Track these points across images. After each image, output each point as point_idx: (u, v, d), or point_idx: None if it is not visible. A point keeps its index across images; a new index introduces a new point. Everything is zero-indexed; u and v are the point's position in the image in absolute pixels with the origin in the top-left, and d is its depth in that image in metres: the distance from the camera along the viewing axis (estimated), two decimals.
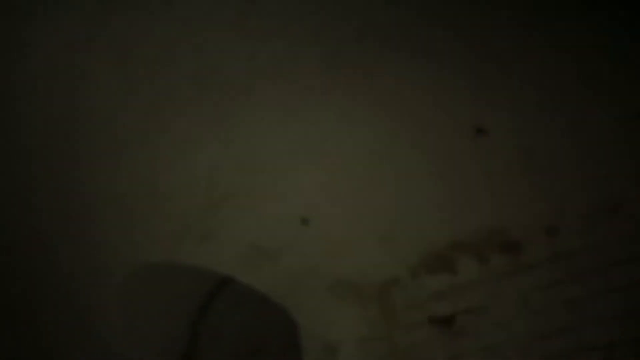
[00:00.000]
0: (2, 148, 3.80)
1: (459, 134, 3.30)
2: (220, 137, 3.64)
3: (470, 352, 3.56)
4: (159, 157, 3.83)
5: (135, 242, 4.44)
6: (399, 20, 3.04)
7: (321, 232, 3.87)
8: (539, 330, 3.30)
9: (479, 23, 2.99)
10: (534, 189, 3.32)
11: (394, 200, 3.65)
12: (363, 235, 3.80)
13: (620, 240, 3.09)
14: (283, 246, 4.00)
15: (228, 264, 4.27)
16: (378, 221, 3.74)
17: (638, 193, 3.08)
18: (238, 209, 3.93)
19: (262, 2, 3.04)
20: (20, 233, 4.41)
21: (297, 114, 3.47)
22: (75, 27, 3.31)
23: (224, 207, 3.96)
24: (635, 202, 3.09)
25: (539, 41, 2.98)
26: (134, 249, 4.49)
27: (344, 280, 3.99)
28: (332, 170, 3.67)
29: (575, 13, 2.85)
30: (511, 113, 3.16)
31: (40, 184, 4.19)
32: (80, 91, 3.62)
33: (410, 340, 3.79)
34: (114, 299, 4.76)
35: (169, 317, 5.20)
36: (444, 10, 2.96)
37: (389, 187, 3.62)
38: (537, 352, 3.28)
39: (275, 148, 3.64)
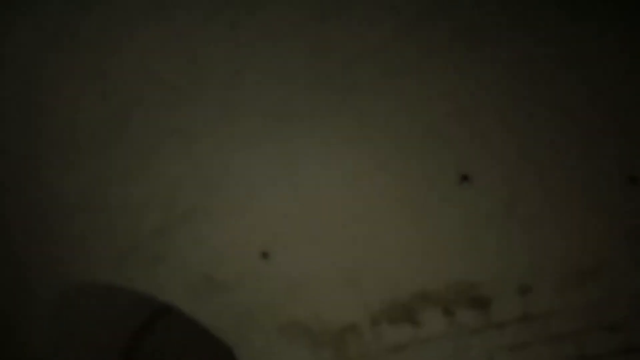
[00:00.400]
0: None
1: (442, 180, 3.17)
2: (186, 151, 3.42)
3: None
4: (115, 168, 3.58)
5: (74, 259, 4.12)
6: (393, 57, 2.93)
7: (281, 268, 3.66)
8: None
9: (469, 65, 2.90)
10: (511, 244, 3.21)
11: (362, 241, 3.47)
12: (325, 276, 3.60)
13: (597, 305, 2.99)
14: (237, 279, 3.76)
15: (174, 291, 3.99)
16: (343, 262, 3.55)
17: (619, 258, 2.99)
18: (194, 233, 3.69)
19: (256, 16, 2.89)
20: None
21: (273, 137, 3.29)
22: (45, 23, 3.09)
23: (180, 229, 3.71)
24: (615, 266, 3.00)
25: (528, 90, 2.90)
26: (73, 266, 4.17)
27: (298, 321, 3.76)
28: (302, 203, 3.48)
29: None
30: (500, 160, 3.05)
31: None
32: (39, 89, 3.36)
33: None
34: (44, 318, 4.40)
35: (99, 344, 4.84)
36: (441, 55, 2.87)
37: (359, 227, 3.45)
38: None
39: (244, 170, 3.44)
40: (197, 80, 3.16)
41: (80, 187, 3.66)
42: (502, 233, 3.18)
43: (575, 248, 3.09)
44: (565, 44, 2.72)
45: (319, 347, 3.75)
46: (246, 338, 3.92)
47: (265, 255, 3.63)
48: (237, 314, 3.88)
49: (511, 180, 3.09)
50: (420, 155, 3.12)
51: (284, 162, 3.33)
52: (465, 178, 3.10)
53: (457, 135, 2.99)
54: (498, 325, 3.24)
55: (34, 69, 3.27)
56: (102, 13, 3.03)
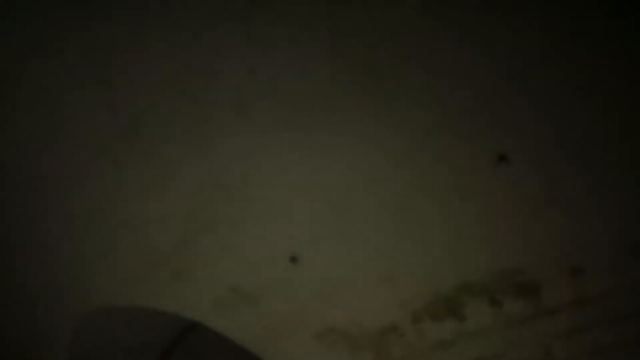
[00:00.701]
0: None
1: (476, 163, 2.98)
2: (204, 160, 3.23)
3: None
4: (129, 183, 3.38)
5: (93, 282, 3.93)
6: (418, 37, 2.74)
7: (312, 272, 3.47)
8: None
9: (504, 43, 2.71)
10: (556, 225, 3.02)
11: (398, 236, 3.29)
12: (360, 276, 3.41)
13: None
14: (267, 288, 3.57)
15: (200, 307, 3.80)
16: (377, 260, 3.36)
17: None
18: (219, 244, 3.50)
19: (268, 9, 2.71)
20: None
21: (295, 138, 3.10)
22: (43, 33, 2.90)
23: (203, 241, 3.51)
24: None
25: (570, 67, 2.72)
26: (91, 291, 3.97)
27: (335, 327, 3.58)
28: (328, 202, 3.29)
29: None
30: (537, 140, 2.87)
31: None
32: (50, 100, 3.17)
33: None
34: (64, 348, 4.20)
35: None
36: (469, 30, 2.68)
37: (393, 222, 3.26)
38: None
39: (265, 175, 3.25)
40: (210, 84, 2.97)
41: (92, 205, 3.47)
42: (546, 214, 3.00)
43: (627, 222, 2.91)
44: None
45: (359, 352, 3.57)
46: (280, 349, 3.74)
47: (294, 259, 3.45)
48: (268, 325, 3.69)
49: (550, 160, 2.91)
50: (454, 138, 2.93)
51: (308, 163, 3.15)
52: (503, 158, 2.92)
53: (494, 114, 2.80)
54: (550, 312, 3.06)
55: (37, 84, 3.08)
56: (102, 22, 2.84)
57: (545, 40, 2.67)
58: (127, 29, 2.87)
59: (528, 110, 2.84)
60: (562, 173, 2.94)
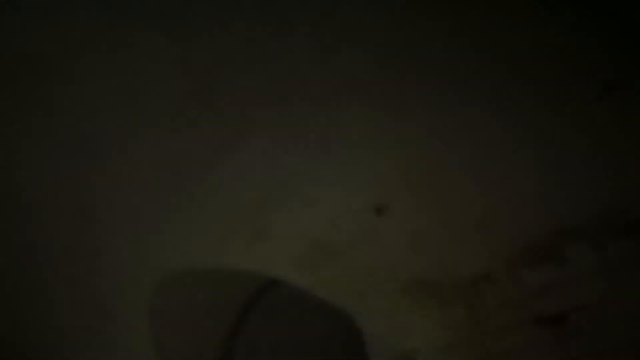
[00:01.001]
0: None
1: (577, 93, 2.77)
2: (279, 112, 3.09)
3: (586, 357, 3.03)
4: (206, 140, 3.27)
5: (170, 246, 3.86)
6: None
7: (399, 222, 3.32)
8: None
9: None
10: None
11: (488, 179, 3.11)
12: (450, 225, 3.26)
13: None
14: (351, 241, 3.44)
15: (282, 264, 3.70)
16: (468, 207, 3.20)
17: None
18: (299, 199, 3.37)
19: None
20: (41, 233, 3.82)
21: (375, 89, 2.94)
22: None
23: (282, 197, 3.39)
24: None
25: None
26: (169, 253, 3.91)
27: (424, 278, 3.43)
28: (413, 149, 3.13)
29: None
30: None
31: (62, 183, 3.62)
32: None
33: (507, 344, 3.24)
34: (142, 308, 4.17)
35: (201, 330, 4.62)
36: None
37: (483, 168, 3.08)
38: None
39: (346, 123, 3.09)
40: (285, 35, 2.81)
41: (172, 165, 3.37)
42: None
43: None
44: None
45: (449, 304, 3.42)
46: (366, 304, 3.62)
47: (379, 211, 3.30)
48: (353, 279, 3.58)
49: None
50: (552, 70, 2.72)
51: (388, 108, 2.98)
52: (609, 88, 2.70)
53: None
54: None
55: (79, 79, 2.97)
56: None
57: None
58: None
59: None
60: None
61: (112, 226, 3.74)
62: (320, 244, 3.48)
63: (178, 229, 3.72)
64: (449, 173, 3.13)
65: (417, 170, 3.17)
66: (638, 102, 2.69)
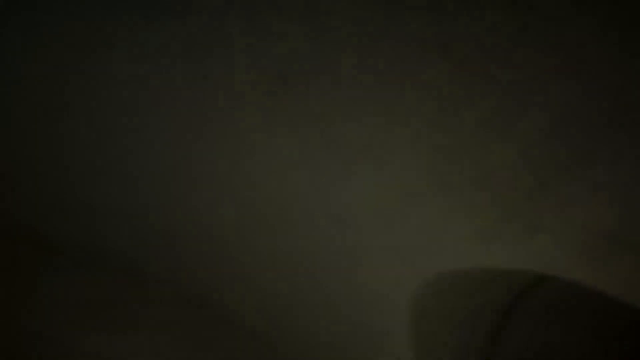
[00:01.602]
0: None
1: None
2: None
3: None
4: None
5: (436, 246, 3.56)
6: None
7: None
8: None
9: None
10: None
11: None
12: None
13: None
14: None
15: (561, 259, 3.24)
16: None
17: None
18: (584, 184, 2.90)
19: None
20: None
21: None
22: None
23: (560, 181, 2.94)
24: None
25: None
26: (434, 254, 3.61)
27: None
28: None
29: None
30: None
31: None
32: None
33: None
34: (404, 313, 3.91)
35: (460, 337, 4.28)
36: None
37: None
38: None
39: None
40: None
41: None
42: None
43: None
44: None
45: None
46: None
47: None
48: None
49: None
50: None
51: None
52: None
53: None
54: None
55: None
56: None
57: None
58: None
59: None
60: None
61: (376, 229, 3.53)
62: (613, 234, 2.97)
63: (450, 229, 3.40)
64: None
65: None
66: None
